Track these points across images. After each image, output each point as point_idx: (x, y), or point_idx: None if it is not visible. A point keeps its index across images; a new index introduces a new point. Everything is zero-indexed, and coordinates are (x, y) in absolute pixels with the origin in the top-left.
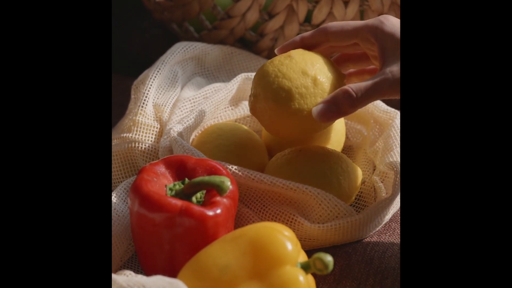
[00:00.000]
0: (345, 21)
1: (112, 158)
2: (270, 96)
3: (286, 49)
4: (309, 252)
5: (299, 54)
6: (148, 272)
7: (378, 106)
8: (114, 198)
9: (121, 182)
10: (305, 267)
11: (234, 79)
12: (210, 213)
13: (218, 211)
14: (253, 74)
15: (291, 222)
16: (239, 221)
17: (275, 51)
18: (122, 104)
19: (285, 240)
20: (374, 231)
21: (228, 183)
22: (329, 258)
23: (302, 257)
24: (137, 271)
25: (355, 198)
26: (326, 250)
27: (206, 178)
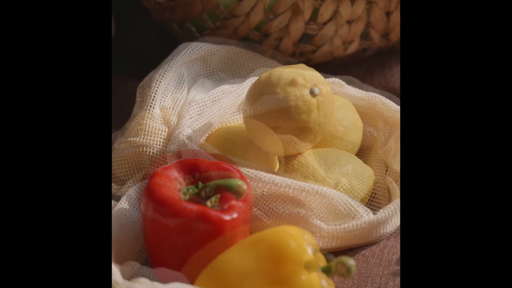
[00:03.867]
0: None
1: (119, 162)
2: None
3: None
4: (326, 256)
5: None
6: (161, 279)
7: (388, 106)
8: (124, 204)
9: (129, 187)
10: (326, 271)
11: (244, 83)
12: (227, 217)
13: (235, 215)
14: None
15: (306, 225)
16: (252, 225)
17: None
18: (120, 106)
19: (306, 245)
20: (390, 233)
21: (244, 187)
22: (351, 262)
23: (321, 261)
24: (150, 278)
25: (369, 200)
26: (343, 253)
27: (222, 181)
